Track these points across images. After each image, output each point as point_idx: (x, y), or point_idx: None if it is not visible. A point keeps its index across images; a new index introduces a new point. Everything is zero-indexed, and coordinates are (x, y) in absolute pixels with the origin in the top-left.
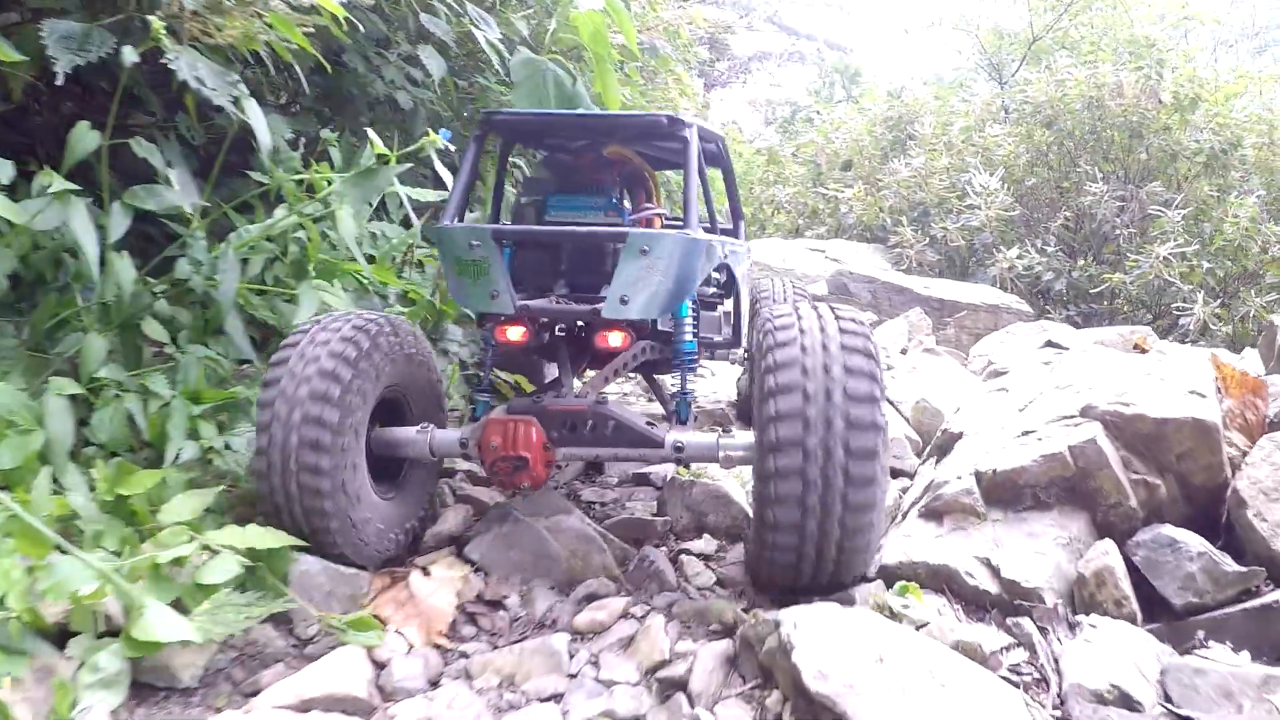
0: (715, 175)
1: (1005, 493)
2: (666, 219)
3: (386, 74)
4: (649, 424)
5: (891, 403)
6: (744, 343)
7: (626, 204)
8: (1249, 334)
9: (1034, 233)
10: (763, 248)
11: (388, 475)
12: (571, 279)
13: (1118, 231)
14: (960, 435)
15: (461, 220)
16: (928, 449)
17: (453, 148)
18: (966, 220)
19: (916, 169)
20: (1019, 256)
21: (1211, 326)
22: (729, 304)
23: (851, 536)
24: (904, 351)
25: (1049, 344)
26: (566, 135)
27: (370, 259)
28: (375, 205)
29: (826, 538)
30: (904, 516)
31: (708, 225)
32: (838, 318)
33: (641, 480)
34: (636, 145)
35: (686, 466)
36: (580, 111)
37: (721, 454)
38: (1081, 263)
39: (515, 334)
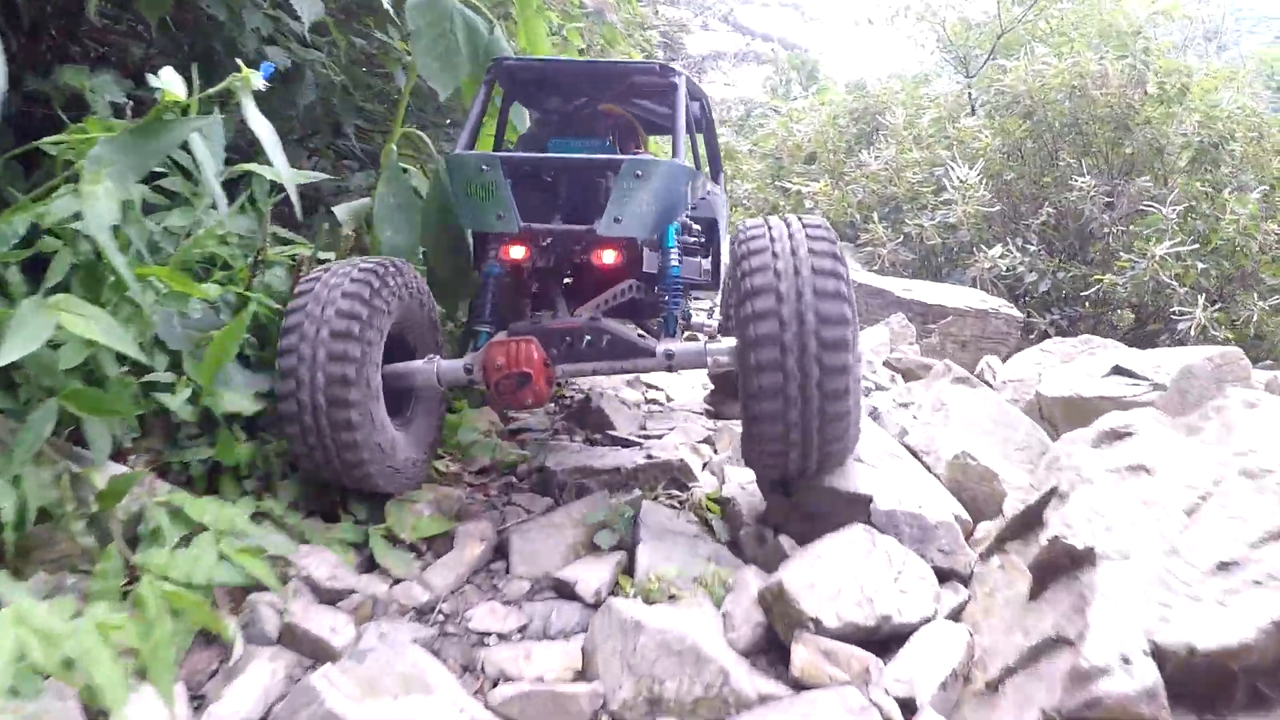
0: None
1: (1205, 682)
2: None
3: (251, 22)
4: (640, 336)
5: (914, 452)
6: (719, 283)
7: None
8: (1246, 338)
9: (1013, 231)
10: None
11: (397, 409)
12: (567, 210)
13: (1106, 230)
14: (1070, 543)
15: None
16: (989, 537)
17: (265, 86)
18: (943, 217)
19: (887, 162)
20: (1001, 256)
21: (1212, 331)
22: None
23: (831, 423)
24: (890, 364)
25: (1118, 370)
26: (565, 82)
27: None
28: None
29: (809, 424)
30: (989, 688)
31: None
32: (804, 225)
33: (565, 592)
34: (627, 104)
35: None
36: (581, 60)
37: (709, 359)
38: (1066, 262)
39: (518, 253)
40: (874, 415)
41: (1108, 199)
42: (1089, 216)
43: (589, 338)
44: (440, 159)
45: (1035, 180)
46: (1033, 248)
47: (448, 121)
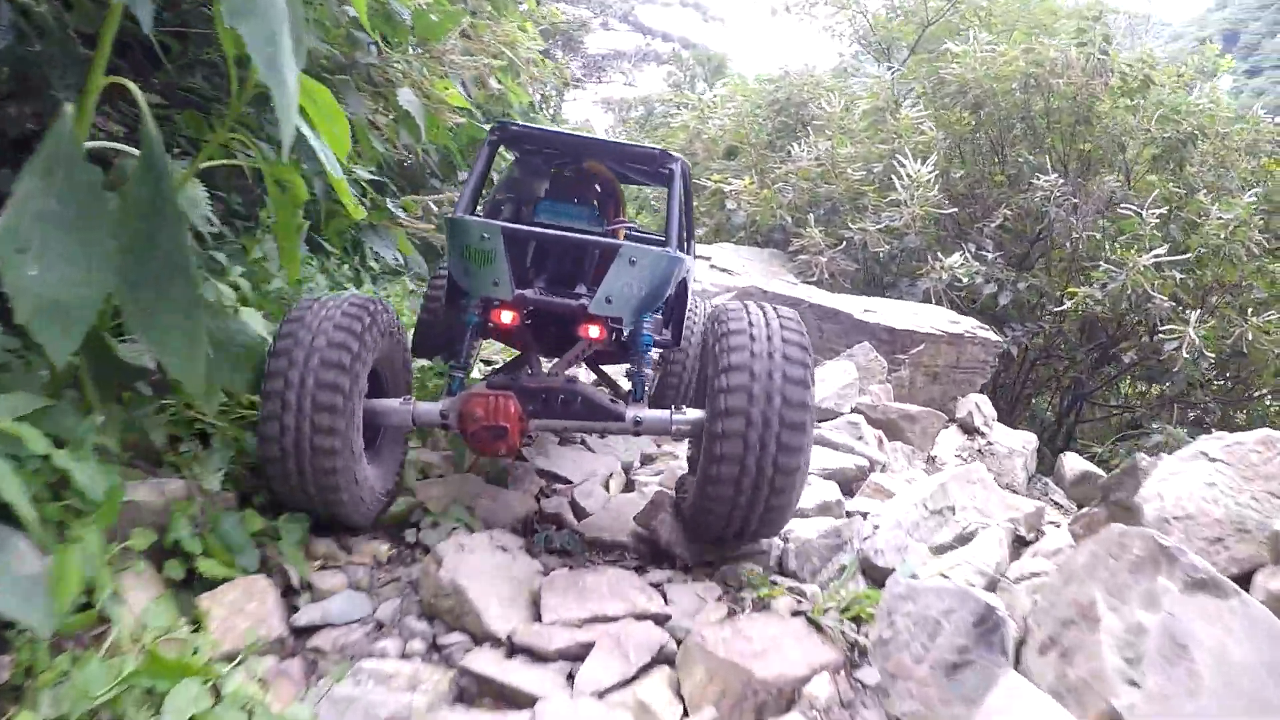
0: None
1: None
2: (631, 229)
3: None
4: (612, 400)
5: None
6: (682, 343)
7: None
8: (1245, 368)
9: (965, 236)
10: None
11: (367, 443)
12: (550, 276)
13: (1076, 235)
14: None
15: (472, 213)
16: None
17: None
18: (889, 220)
19: (820, 156)
20: (960, 265)
21: (1206, 353)
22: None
23: (778, 494)
24: (863, 413)
25: (1203, 456)
26: (565, 150)
27: None
28: None
29: (758, 493)
30: None
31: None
32: (778, 314)
33: None
34: (613, 165)
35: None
36: (583, 134)
37: (674, 427)
38: (1026, 272)
39: (507, 318)
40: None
41: (1073, 200)
42: (1053, 219)
43: (563, 397)
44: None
45: (987, 179)
46: (989, 255)
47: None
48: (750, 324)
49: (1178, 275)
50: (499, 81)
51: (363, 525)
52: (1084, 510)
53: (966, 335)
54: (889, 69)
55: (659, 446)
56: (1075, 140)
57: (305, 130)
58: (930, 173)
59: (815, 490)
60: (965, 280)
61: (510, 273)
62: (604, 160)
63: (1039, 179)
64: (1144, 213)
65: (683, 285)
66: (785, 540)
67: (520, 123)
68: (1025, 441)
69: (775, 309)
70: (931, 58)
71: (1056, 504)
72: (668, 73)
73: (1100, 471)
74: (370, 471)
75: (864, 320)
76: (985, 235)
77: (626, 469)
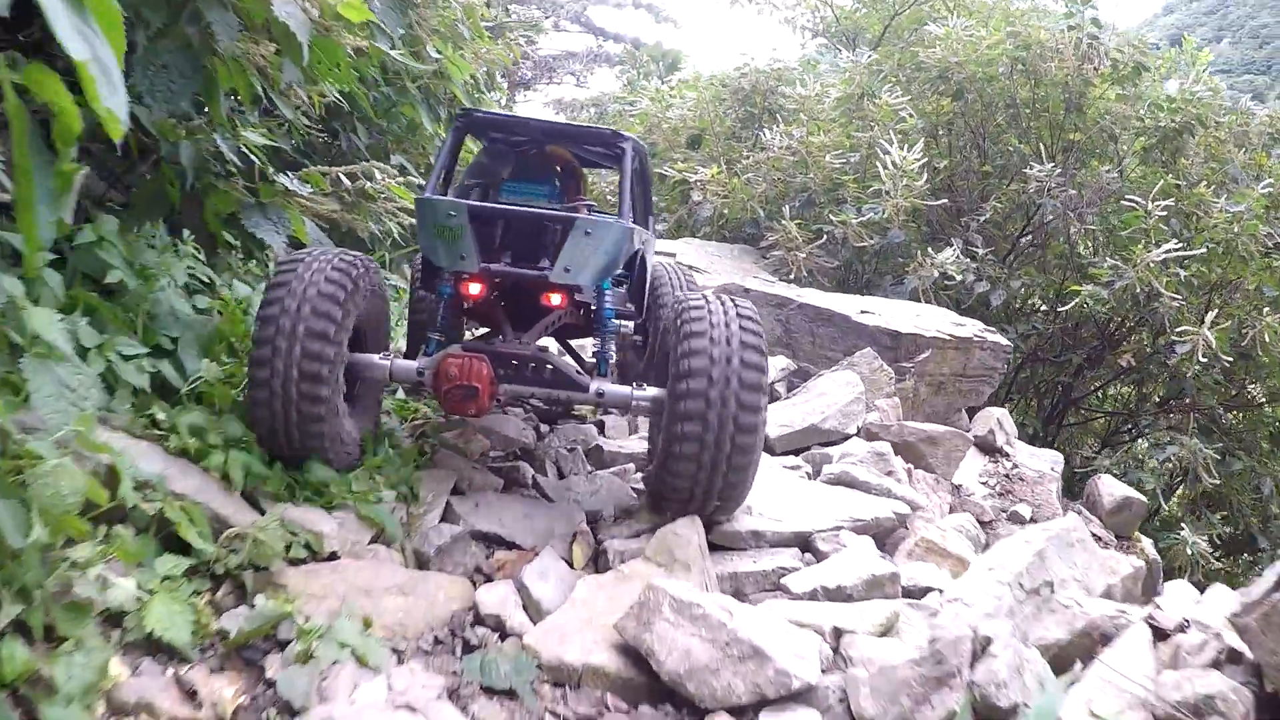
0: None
1: None
2: (591, 207)
3: None
4: (578, 373)
5: None
6: (643, 314)
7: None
8: (1254, 369)
9: (951, 230)
10: None
11: (347, 393)
12: (515, 250)
13: (1073, 229)
14: None
15: (441, 194)
16: None
17: None
18: (871, 212)
19: (794, 144)
20: (953, 261)
21: (1221, 356)
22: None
23: (735, 472)
24: (874, 433)
25: None
26: (526, 134)
27: None
28: None
29: (716, 470)
30: None
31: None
32: (735, 303)
33: None
34: (573, 147)
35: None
36: (543, 119)
37: (634, 402)
38: (1018, 268)
39: (475, 289)
40: None
41: (1069, 191)
42: (1046, 212)
43: (534, 364)
44: None
45: (971, 170)
46: (979, 251)
47: None
48: (710, 311)
49: (1182, 273)
50: (438, 51)
51: (341, 467)
52: (1257, 598)
53: (975, 339)
54: (863, 55)
55: (636, 497)
56: (1064, 129)
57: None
58: (918, 160)
59: (852, 557)
60: (957, 278)
61: (476, 247)
62: (562, 142)
63: (1032, 169)
64: (1149, 205)
65: (641, 260)
66: (847, 662)
67: (486, 110)
68: (1053, 462)
69: (733, 299)
70: (906, 44)
71: (1097, 537)
72: (620, 70)
73: (1141, 496)
74: (348, 421)
75: (862, 323)
76: (972, 230)
77: (594, 525)
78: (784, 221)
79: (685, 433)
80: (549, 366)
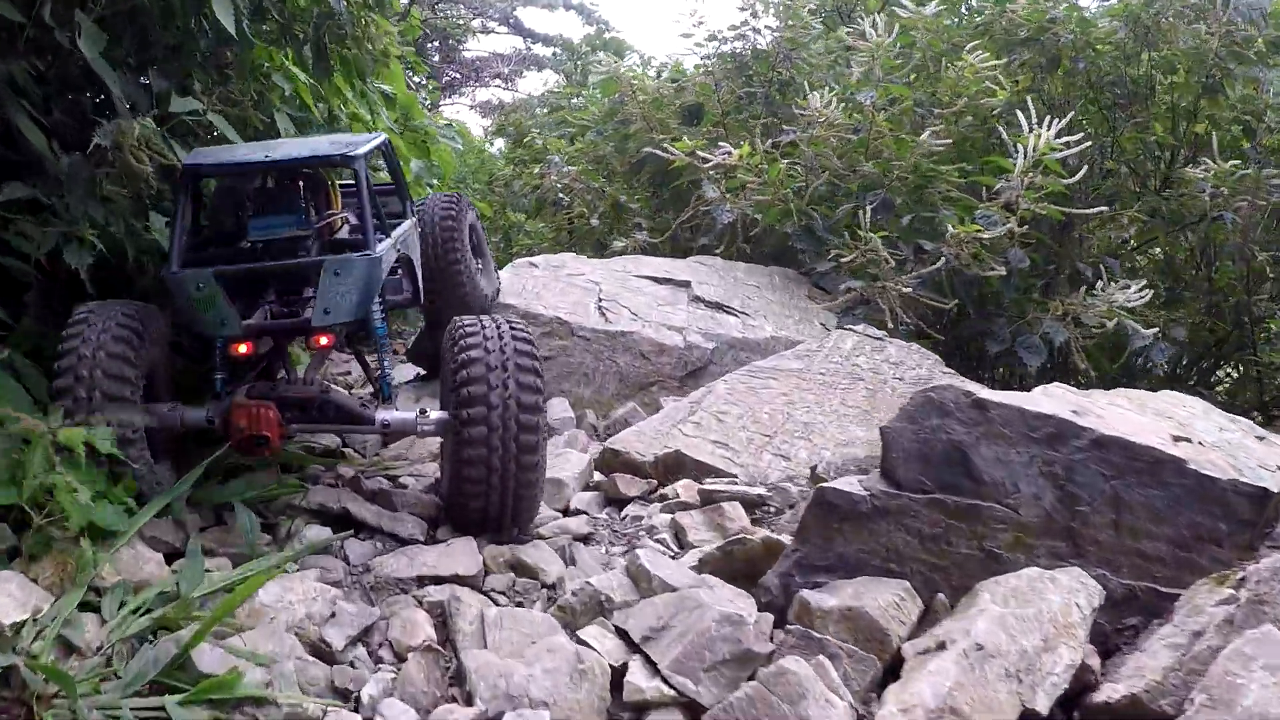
0: None
1: None
2: (345, 215)
3: None
4: (362, 405)
5: None
6: (421, 298)
7: (313, 213)
8: None
9: (1065, 253)
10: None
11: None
12: (279, 289)
13: (1259, 255)
14: None
15: (182, 264)
16: None
17: None
18: (989, 221)
19: (864, 107)
20: (1139, 295)
21: None
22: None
23: (524, 488)
24: None
25: None
26: (253, 172)
27: None
28: None
29: (506, 490)
30: None
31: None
32: (512, 328)
33: None
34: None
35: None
36: (271, 154)
37: (419, 428)
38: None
39: (243, 349)
40: None
41: (1246, 199)
42: (1228, 229)
43: (319, 404)
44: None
45: (1094, 168)
46: (1129, 287)
47: None
48: (485, 337)
49: None
50: None
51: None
52: None
53: None
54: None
55: None
56: (1195, 118)
57: None
58: (1064, 143)
59: None
60: (1109, 326)
61: (234, 310)
62: (292, 172)
63: (1203, 164)
64: None
65: (406, 259)
66: None
67: (208, 158)
68: None
69: (508, 323)
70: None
71: None
72: (559, 63)
73: None
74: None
75: (1206, 473)
76: (1113, 254)
77: None
78: (864, 233)
79: (471, 458)
80: (334, 406)
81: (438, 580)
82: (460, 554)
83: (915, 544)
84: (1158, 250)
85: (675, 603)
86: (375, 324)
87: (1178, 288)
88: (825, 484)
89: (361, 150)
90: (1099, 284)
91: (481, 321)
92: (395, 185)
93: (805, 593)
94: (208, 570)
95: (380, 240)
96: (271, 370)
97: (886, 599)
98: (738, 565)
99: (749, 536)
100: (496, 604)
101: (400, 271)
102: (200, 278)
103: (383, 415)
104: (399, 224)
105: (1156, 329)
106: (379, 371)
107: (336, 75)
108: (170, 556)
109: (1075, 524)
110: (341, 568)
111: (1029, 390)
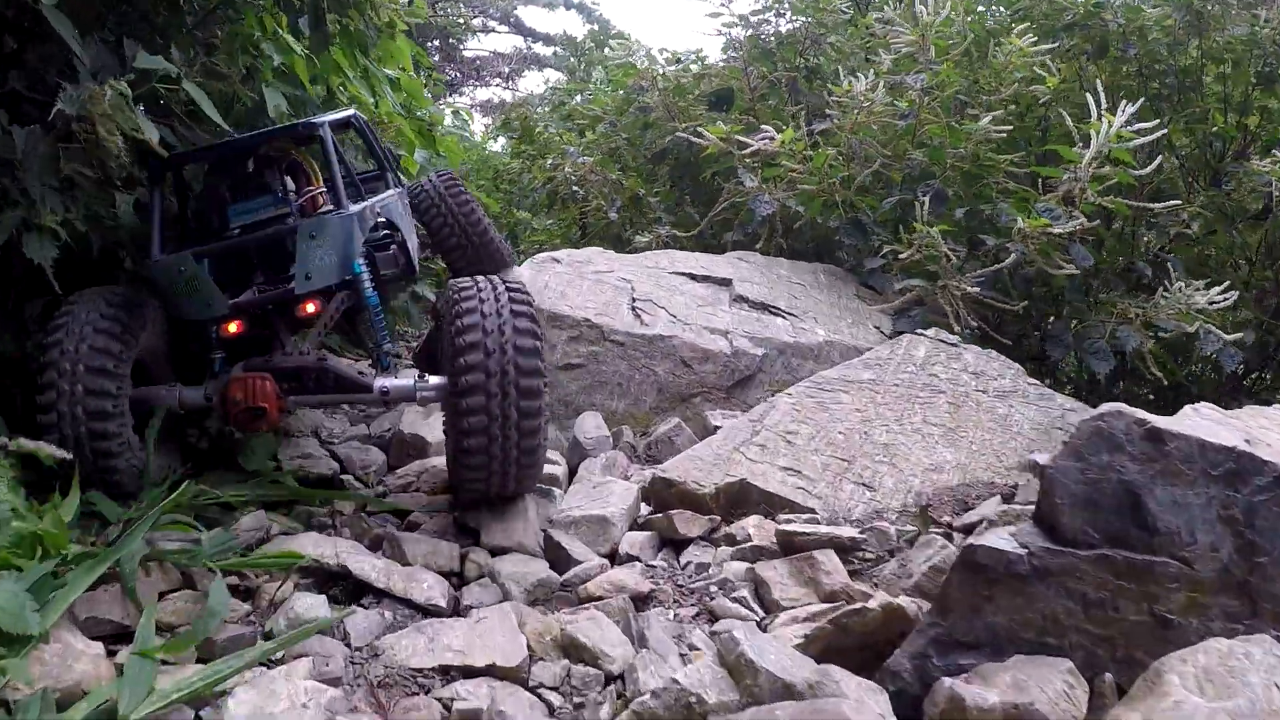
0: None
1: None
2: (325, 192)
3: None
4: (360, 374)
5: None
6: (415, 269)
7: (292, 193)
8: None
9: (1121, 251)
10: (535, 282)
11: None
12: (265, 267)
13: None
14: None
15: (163, 250)
16: None
17: None
18: (1054, 216)
19: (918, 92)
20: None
21: None
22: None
23: (526, 455)
24: None
25: None
26: (226, 158)
27: None
28: None
29: (508, 456)
30: None
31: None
32: (508, 288)
33: None
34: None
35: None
36: (238, 136)
37: (418, 395)
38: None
39: (234, 327)
40: None
41: None
42: None
43: (316, 374)
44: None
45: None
46: (1208, 291)
47: None
48: (481, 300)
49: None
50: None
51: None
52: None
53: None
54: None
55: None
56: (1248, 110)
57: None
58: (1146, 129)
59: None
60: (1188, 329)
61: (218, 290)
62: (268, 150)
63: (1271, 156)
64: None
65: (391, 224)
66: None
67: (178, 148)
68: None
69: (504, 283)
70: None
71: None
72: (561, 60)
73: None
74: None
75: None
76: (1152, 248)
77: None
78: (921, 227)
79: (471, 426)
80: (332, 375)
81: (468, 673)
82: (497, 632)
83: (1079, 611)
84: (1209, 250)
85: (802, 716)
86: (366, 294)
87: (1238, 287)
88: (974, 542)
89: (324, 119)
90: (1165, 284)
91: (478, 283)
92: (375, 159)
93: (952, 683)
94: (163, 668)
95: (356, 203)
96: (271, 350)
97: (1055, 688)
98: (851, 638)
99: (867, 606)
100: (550, 707)
101: (393, 247)
102: (180, 261)
103: (381, 383)
104: (381, 192)
105: (1240, 334)
106: (376, 342)
107: (335, 48)
108: (117, 638)
109: (1254, 578)
110: (341, 653)
111: (1102, 402)
